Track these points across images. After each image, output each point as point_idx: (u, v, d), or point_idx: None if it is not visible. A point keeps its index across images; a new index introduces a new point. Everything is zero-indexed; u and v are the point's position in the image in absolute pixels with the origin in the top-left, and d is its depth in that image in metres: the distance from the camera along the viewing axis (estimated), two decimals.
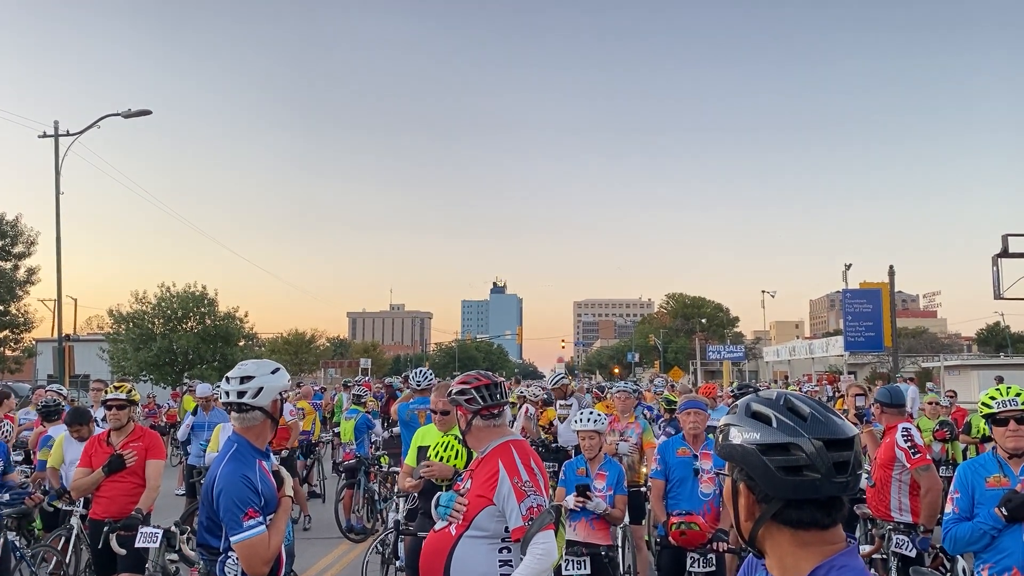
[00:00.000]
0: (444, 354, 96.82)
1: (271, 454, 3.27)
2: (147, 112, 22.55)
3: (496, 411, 3.13)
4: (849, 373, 37.10)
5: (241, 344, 34.39)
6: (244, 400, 3.02)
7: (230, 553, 2.93)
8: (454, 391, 3.17)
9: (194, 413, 10.14)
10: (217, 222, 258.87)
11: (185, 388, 19.94)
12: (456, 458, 4.53)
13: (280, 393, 3.13)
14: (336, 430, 14.01)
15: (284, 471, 3.23)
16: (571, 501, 5.01)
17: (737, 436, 1.33)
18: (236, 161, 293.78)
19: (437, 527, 3.03)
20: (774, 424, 1.31)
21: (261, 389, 3.04)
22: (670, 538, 4.75)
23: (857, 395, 6.44)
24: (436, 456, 4.67)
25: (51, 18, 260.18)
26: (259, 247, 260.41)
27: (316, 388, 19.39)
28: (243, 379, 3.04)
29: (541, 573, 2.77)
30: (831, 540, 1.30)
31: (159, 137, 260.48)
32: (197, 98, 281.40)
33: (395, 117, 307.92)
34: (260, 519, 2.88)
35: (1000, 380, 17.82)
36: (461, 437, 3.28)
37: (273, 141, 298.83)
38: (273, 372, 3.12)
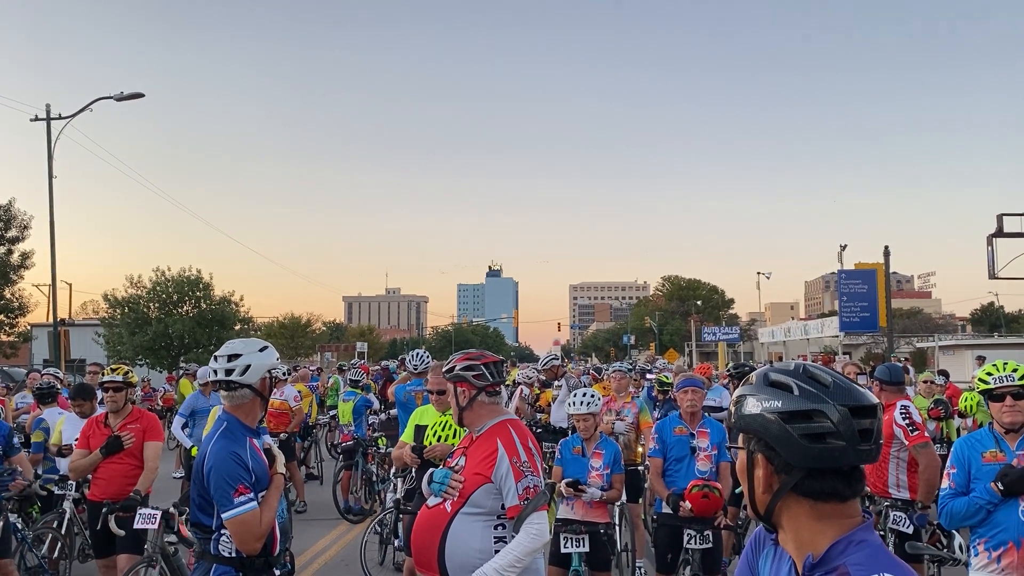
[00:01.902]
0: (440, 338, 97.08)
1: (263, 432, 3.25)
2: (140, 95, 22.30)
3: (498, 389, 3.14)
4: (844, 354, 37.29)
5: (237, 328, 34.35)
6: (232, 378, 3.03)
7: (223, 531, 2.93)
8: (460, 367, 3.13)
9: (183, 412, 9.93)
10: (212, 206, 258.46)
11: (181, 372, 19.88)
12: (454, 437, 4.55)
13: (269, 371, 3.13)
14: (331, 413, 14.01)
15: (276, 448, 3.24)
16: (563, 488, 4.99)
17: (755, 406, 1.30)
18: (230, 144, 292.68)
19: (430, 503, 3.03)
20: (796, 392, 1.28)
21: (249, 367, 3.04)
22: (687, 502, 4.75)
23: (856, 374, 6.43)
24: (434, 435, 4.68)
25: (43, 0, 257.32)
26: (254, 231, 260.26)
27: (312, 371, 19.36)
28: (231, 357, 3.05)
29: (533, 552, 2.81)
30: (849, 514, 1.27)
31: (152, 120, 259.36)
32: (190, 81, 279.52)
33: (391, 99, 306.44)
34: (251, 495, 2.88)
35: (982, 360, 17.91)
36: (457, 416, 3.24)
37: (268, 124, 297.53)
38: (261, 350, 3.12)
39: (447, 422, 4.74)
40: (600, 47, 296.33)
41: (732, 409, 1.37)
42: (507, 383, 13.71)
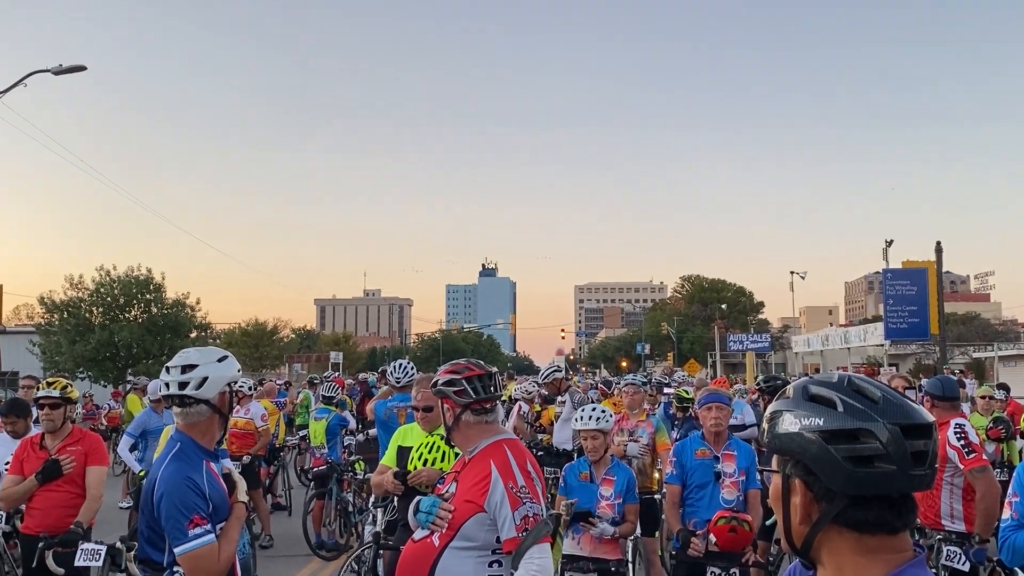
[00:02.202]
0: (426, 346, 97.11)
1: (223, 455, 3.25)
2: (81, 68, 22.23)
3: (489, 406, 3.12)
4: (890, 365, 37.40)
5: (193, 336, 34.35)
6: (187, 392, 3.02)
7: (176, 568, 2.92)
8: (441, 381, 3.14)
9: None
10: (165, 196, 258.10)
11: (129, 386, 19.84)
12: (443, 460, 4.54)
13: (229, 384, 3.14)
14: (302, 433, 13.99)
15: (237, 474, 3.25)
16: (563, 507, 4.98)
17: (793, 423, 1.29)
18: (187, 127, 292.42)
19: (416, 536, 3.03)
20: (840, 408, 1.27)
21: (206, 379, 3.04)
22: (712, 536, 4.74)
23: (906, 388, 6.43)
24: (420, 458, 4.68)
25: None
26: (214, 225, 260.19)
27: (280, 384, 19.32)
28: (185, 368, 3.05)
29: None
30: (899, 548, 1.27)
31: (97, 99, 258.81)
32: (142, 54, 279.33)
33: (369, 74, 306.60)
34: (208, 527, 2.88)
35: None
36: (446, 436, 3.24)
37: (229, 106, 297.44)
38: (220, 360, 3.12)
39: (435, 443, 4.74)
40: (614, 14, 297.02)
41: (766, 427, 1.36)
42: (503, 399, 13.70)
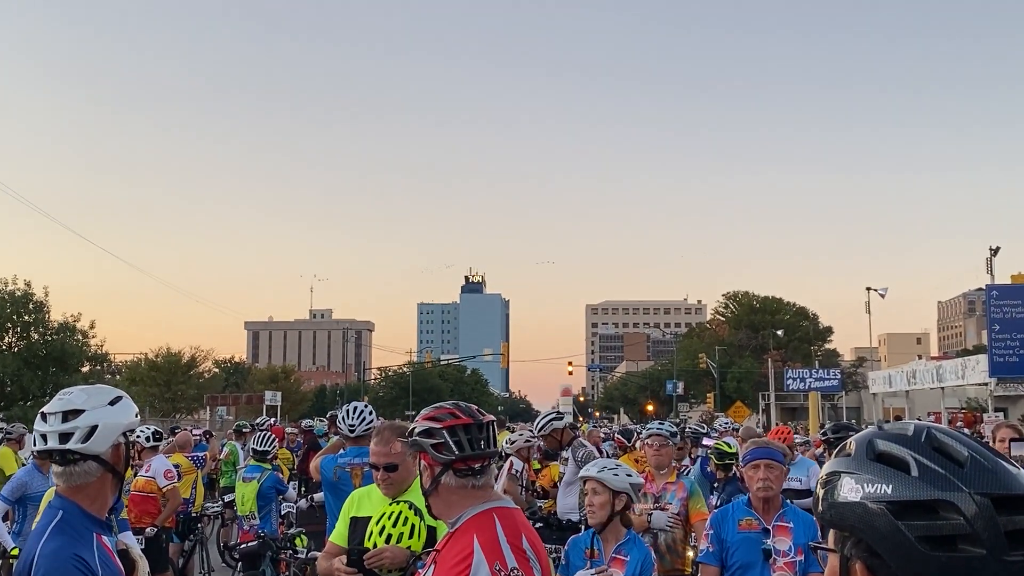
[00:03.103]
0: (391, 384, 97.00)
1: (122, 527, 3.25)
2: None
3: (477, 466, 3.11)
4: (996, 410, 37.44)
5: (85, 370, 34.26)
6: (70, 446, 2.99)
7: None
8: (417, 430, 3.13)
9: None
10: (52, 189, 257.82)
11: (1, 435, 19.77)
12: (412, 536, 4.51)
13: (125, 434, 3.12)
14: (227, 498, 13.95)
15: (136, 551, 3.24)
16: None
17: (854, 490, 1.30)
18: (84, 101, 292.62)
19: None
20: (915, 471, 1.28)
21: (95, 428, 3.02)
22: None
23: (1012, 440, 6.47)
24: (382, 533, 4.64)
25: None
26: (114, 227, 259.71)
27: (197, 435, 19.26)
28: (67, 415, 3.02)
29: None
30: None
31: None
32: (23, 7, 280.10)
33: (321, 55, 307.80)
34: None
35: None
36: (413, 505, 3.23)
37: (140, 69, 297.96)
38: (112, 403, 3.11)
39: (401, 513, 4.71)
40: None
41: (820, 493, 1.37)
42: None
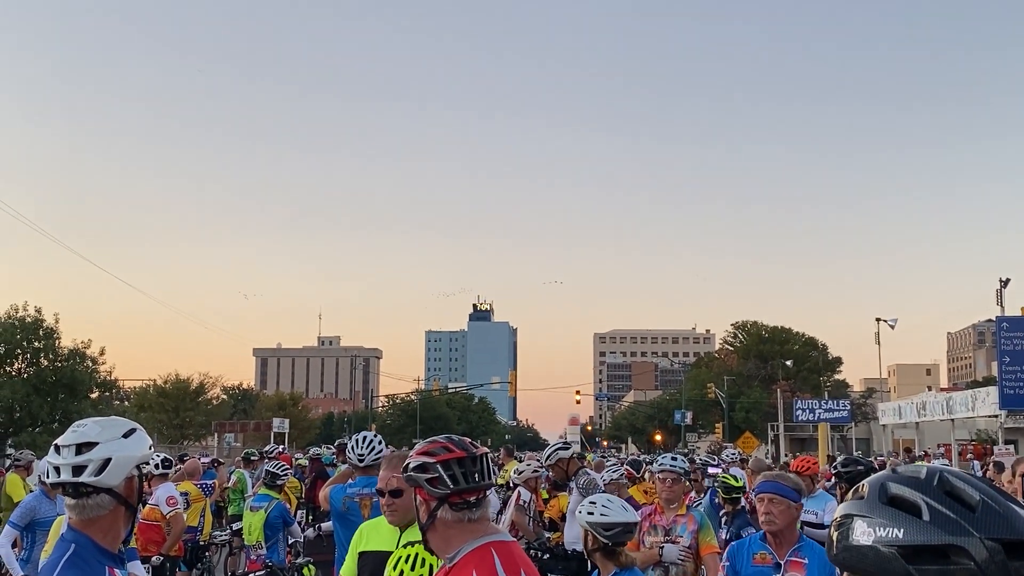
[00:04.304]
0: (399, 412, 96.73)
1: (131, 557, 3.24)
2: None
3: (473, 499, 3.10)
4: (1007, 442, 37.12)
5: (94, 396, 34.27)
6: (83, 479, 2.98)
7: None
8: (412, 465, 3.13)
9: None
10: (63, 218, 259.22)
11: (9, 462, 19.78)
12: (421, 567, 4.44)
13: (138, 466, 3.11)
14: (235, 526, 13.91)
15: None
16: None
17: (866, 534, 1.31)
18: (93, 125, 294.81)
19: None
20: (926, 516, 1.28)
21: (108, 461, 3.00)
22: None
23: None
24: (395, 567, 4.56)
25: None
26: (123, 253, 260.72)
27: (205, 463, 19.23)
28: (81, 447, 3.01)
29: None
30: None
31: None
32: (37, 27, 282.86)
33: (331, 90, 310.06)
34: None
35: None
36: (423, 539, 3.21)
37: (148, 94, 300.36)
38: (126, 435, 3.10)
39: (417, 555, 4.60)
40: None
41: (833, 535, 1.38)
42: (499, 483, 13.63)
